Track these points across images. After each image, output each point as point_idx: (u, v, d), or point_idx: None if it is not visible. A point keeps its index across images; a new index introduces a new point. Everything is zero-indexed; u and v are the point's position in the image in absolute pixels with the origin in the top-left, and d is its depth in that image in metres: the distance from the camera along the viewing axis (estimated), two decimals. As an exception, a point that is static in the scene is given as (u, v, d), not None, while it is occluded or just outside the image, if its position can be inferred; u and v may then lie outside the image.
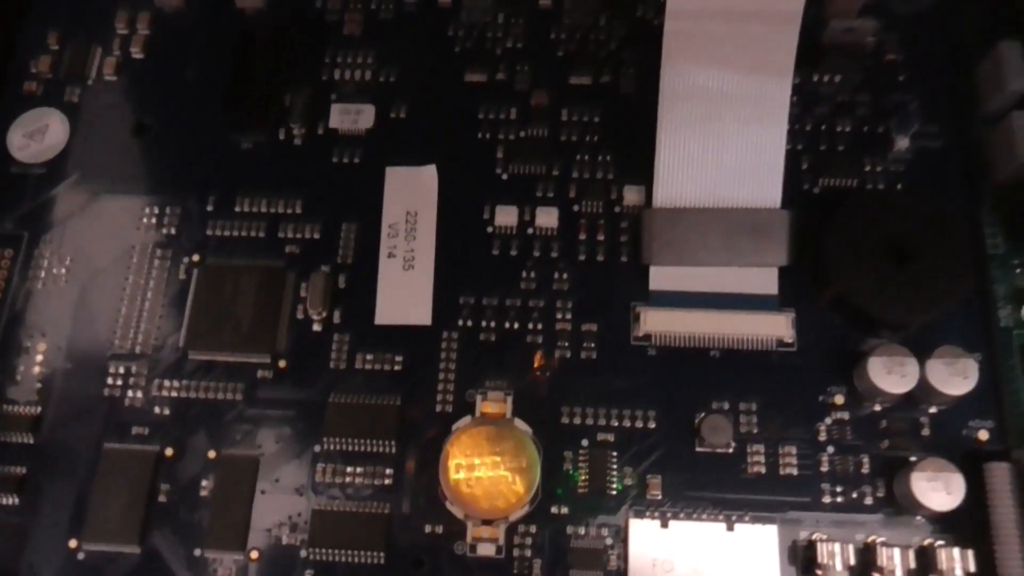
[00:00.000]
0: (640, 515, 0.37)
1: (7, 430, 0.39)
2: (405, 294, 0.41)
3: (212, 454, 0.39)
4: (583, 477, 0.37)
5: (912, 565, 0.35)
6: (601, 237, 0.41)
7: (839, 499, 0.37)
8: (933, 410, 0.37)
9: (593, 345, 0.39)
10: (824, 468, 0.37)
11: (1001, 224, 0.40)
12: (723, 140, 0.38)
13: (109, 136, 0.45)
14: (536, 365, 0.39)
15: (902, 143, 0.42)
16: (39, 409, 0.40)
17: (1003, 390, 0.37)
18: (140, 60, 0.46)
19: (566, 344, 0.40)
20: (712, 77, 0.37)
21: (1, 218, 0.43)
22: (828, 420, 0.38)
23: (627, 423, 0.38)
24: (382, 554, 0.37)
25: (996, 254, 0.40)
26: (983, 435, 0.37)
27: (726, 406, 0.38)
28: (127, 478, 0.38)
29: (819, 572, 0.35)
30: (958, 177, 0.41)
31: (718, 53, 0.36)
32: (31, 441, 0.39)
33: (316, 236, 0.42)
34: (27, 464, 0.39)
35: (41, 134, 0.45)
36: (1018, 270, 0.39)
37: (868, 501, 0.37)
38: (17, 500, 0.38)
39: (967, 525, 0.35)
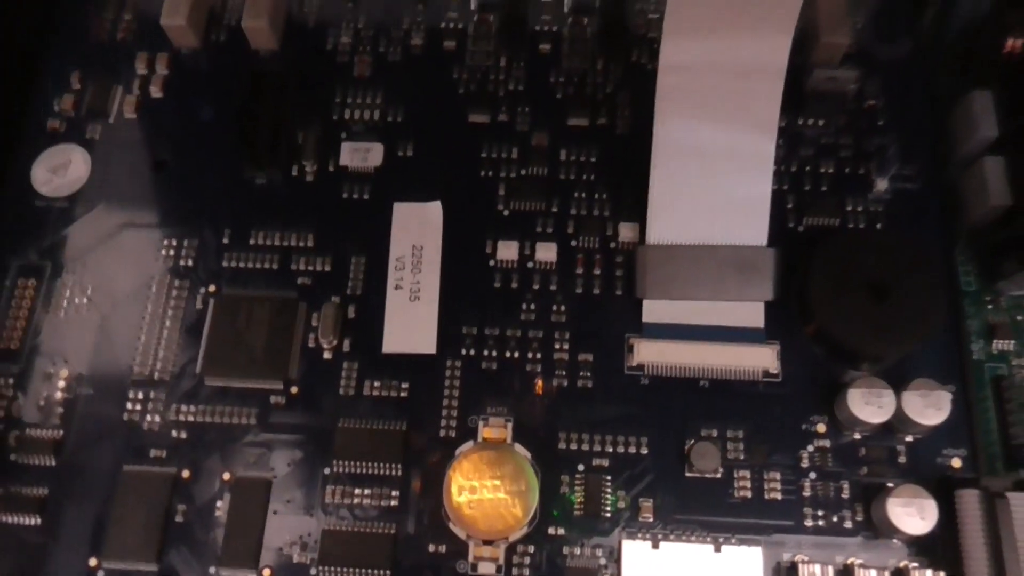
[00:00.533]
0: (633, 536, 0.38)
1: (30, 453, 0.41)
2: (411, 324, 0.43)
3: (227, 476, 0.40)
4: (579, 500, 0.39)
5: (889, 585, 0.37)
6: (597, 271, 0.43)
7: (820, 523, 0.39)
8: (909, 439, 0.40)
9: (589, 374, 0.41)
10: (807, 493, 0.39)
11: (974, 262, 0.42)
12: (713, 184, 0.40)
13: (129, 171, 0.46)
14: (538, 392, 0.41)
15: (882, 184, 0.44)
16: (61, 433, 0.41)
17: (975, 420, 0.39)
18: (159, 99, 0.48)
19: (563, 373, 0.42)
20: (702, 128, 0.39)
21: (25, 250, 0.45)
22: (810, 447, 0.40)
23: (621, 449, 0.40)
24: (388, 572, 0.38)
25: (969, 291, 0.42)
26: (956, 463, 0.39)
27: (714, 433, 0.40)
28: (145, 499, 0.40)
29: (801, 592, 0.37)
30: (934, 217, 0.43)
31: (708, 106, 0.39)
32: (53, 464, 0.41)
33: (327, 268, 0.44)
34: (49, 486, 0.41)
35: (64, 169, 0.46)
36: (990, 306, 0.42)
37: (848, 525, 0.39)
38: (39, 520, 0.40)
39: (940, 548, 0.37)
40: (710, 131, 0.39)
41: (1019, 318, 0.41)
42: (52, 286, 0.44)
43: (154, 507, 0.40)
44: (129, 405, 0.42)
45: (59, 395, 0.42)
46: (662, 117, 0.39)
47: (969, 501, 0.36)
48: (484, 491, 0.38)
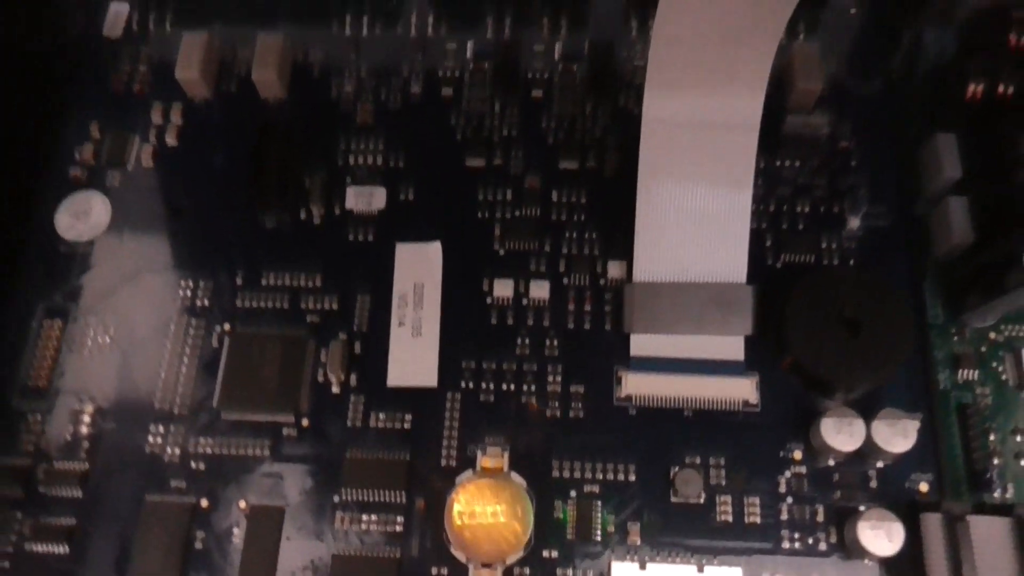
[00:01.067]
0: (621, 558, 0.41)
1: (58, 485, 0.44)
2: (414, 359, 0.45)
3: (243, 504, 0.43)
4: (571, 524, 0.42)
5: (861, 603, 0.39)
6: (588, 307, 0.46)
7: (797, 544, 0.41)
8: (880, 464, 0.42)
9: (580, 405, 0.44)
10: (784, 517, 0.42)
11: (941, 296, 0.45)
12: (694, 228, 0.43)
13: (147, 217, 0.49)
14: (532, 409, 0.44)
15: (854, 222, 0.47)
16: (87, 466, 0.44)
17: (941, 446, 0.42)
18: (174, 148, 0.51)
19: (556, 404, 0.44)
20: (684, 179, 0.42)
21: (50, 292, 0.48)
22: (787, 473, 0.42)
23: (610, 476, 0.43)
24: (394, 595, 0.41)
25: (936, 323, 0.44)
26: (924, 487, 0.41)
27: (698, 461, 0.43)
28: (167, 527, 0.43)
29: (779, 609, 0.40)
30: (903, 253, 0.46)
31: (689, 158, 0.41)
32: (80, 495, 0.44)
33: (334, 307, 0.47)
34: (76, 516, 0.43)
35: (86, 215, 0.49)
36: (955, 338, 0.44)
37: (822, 547, 0.41)
38: (67, 549, 0.43)
39: (907, 569, 0.40)
40: (691, 182, 0.42)
41: (983, 349, 0.44)
42: (76, 327, 0.47)
43: (175, 535, 0.42)
44: (150, 439, 0.44)
45: (84, 430, 0.45)
46: (645, 170, 0.42)
47: (932, 524, 0.39)
48: (483, 516, 0.41)
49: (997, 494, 0.41)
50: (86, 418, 0.45)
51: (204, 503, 0.43)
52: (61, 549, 0.43)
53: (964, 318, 0.44)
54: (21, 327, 0.47)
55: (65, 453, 0.44)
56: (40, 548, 0.43)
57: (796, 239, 0.47)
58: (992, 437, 0.42)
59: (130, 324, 0.47)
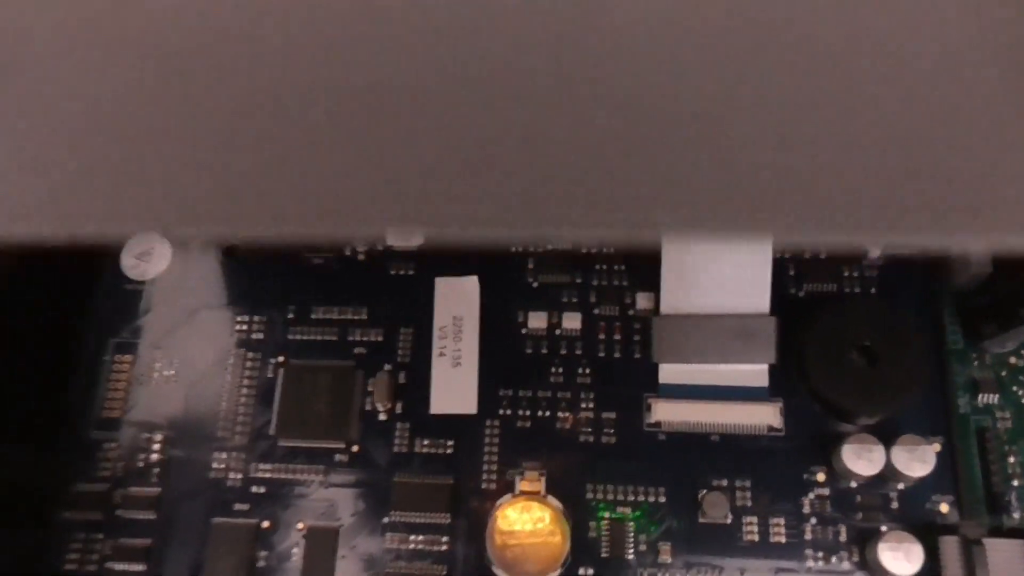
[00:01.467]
0: (653, 576, 0.44)
1: (134, 509, 0.47)
2: (454, 388, 0.48)
3: (300, 526, 0.46)
4: (605, 544, 0.45)
5: (882, 621, 0.41)
6: (618, 337, 0.48)
7: (820, 563, 0.43)
8: (900, 486, 0.44)
9: (612, 431, 0.47)
10: (808, 537, 0.44)
11: (960, 323, 0.46)
12: (718, 267, 0.45)
13: (204, 257, 0.53)
14: (570, 426, 0.47)
15: (875, 251, 0.48)
16: (159, 490, 0.48)
17: (960, 470, 0.44)
18: (228, 190, 0.54)
19: (589, 430, 0.47)
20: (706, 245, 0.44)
21: (120, 329, 0.51)
22: (811, 495, 0.44)
23: (641, 498, 0.45)
24: (441, 610, 0.44)
25: (956, 349, 0.46)
26: (944, 508, 0.43)
27: (724, 483, 0.45)
28: (232, 547, 0.46)
29: (804, 626, 0.42)
30: (924, 281, 0.48)
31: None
32: (153, 517, 0.47)
33: (379, 339, 0.50)
34: (150, 536, 0.47)
35: (148, 256, 0.53)
36: (975, 363, 0.46)
37: (845, 566, 0.43)
38: (145, 567, 0.47)
39: (927, 588, 0.42)
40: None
41: (1003, 374, 0.45)
42: (144, 361, 0.51)
43: (240, 554, 0.46)
44: (214, 465, 0.48)
45: (155, 457, 0.49)
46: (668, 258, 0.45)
47: (949, 546, 0.40)
48: (522, 537, 0.44)
49: (1017, 515, 0.43)
50: (156, 446, 0.49)
51: (266, 525, 0.47)
52: (139, 567, 0.47)
53: (984, 344, 0.45)
54: (95, 363, 0.51)
55: (139, 479, 0.48)
56: (120, 567, 0.47)
57: (818, 268, 0.48)
58: (1012, 460, 0.44)
59: (192, 358, 0.50)
